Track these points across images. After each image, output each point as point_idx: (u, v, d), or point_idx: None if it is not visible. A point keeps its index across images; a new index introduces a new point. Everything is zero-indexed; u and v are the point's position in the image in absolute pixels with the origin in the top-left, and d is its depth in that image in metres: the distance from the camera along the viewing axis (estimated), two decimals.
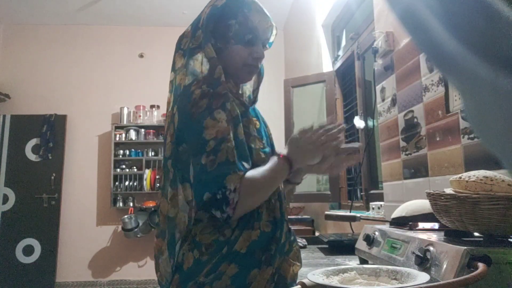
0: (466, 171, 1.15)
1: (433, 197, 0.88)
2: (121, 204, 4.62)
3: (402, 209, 1.20)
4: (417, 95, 1.70)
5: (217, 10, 0.96)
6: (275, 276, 0.90)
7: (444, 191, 0.87)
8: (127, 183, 4.62)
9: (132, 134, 4.71)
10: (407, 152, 1.81)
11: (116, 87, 4.94)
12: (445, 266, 0.74)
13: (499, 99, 0.27)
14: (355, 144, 1.09)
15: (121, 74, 4.97)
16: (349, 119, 3.16)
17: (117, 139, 4.69)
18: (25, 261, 4.40)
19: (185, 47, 0.98)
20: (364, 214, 2.27)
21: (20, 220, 4.47)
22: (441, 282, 0.60)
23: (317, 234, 3.11)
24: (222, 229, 0.87)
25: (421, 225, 1.08)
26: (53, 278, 4.43)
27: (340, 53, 3.34)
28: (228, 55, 0.98)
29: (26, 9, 4.55)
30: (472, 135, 1.33)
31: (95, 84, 4.93)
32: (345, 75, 3.29)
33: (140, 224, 4.45)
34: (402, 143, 1.86)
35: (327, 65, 3.47)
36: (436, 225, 1.06)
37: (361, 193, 2.79)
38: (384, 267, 0.84)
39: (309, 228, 3.30)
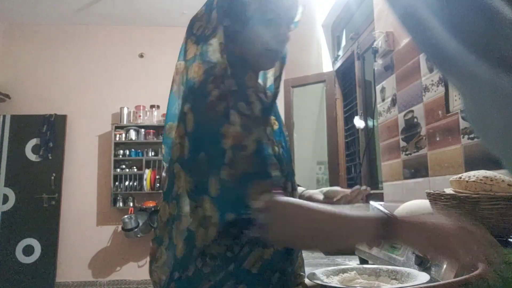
0: (466, 171, 1.15)
1: (433, 197, 0.88)
2: (121, 204, 4.62)
3: (402, 209, 1.20)
4: (417, 95, 1.70)
5: None
6: None
7: (444, 191, 0.87)
8: (127, 183, 4.62)
9: (132, 134, 4.71)
10: (407, 152, 1.81)
11: (116, 87, 4.94)
12: (445, 266, 0.74)
13: (499, 99, 0.27)
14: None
15: (121, 74, 4.97)
16: (349, 119, 3.16)
17: (117, 139, 4.68)
18: (25, 261, 4.40)
19: (199, 32, 0.84)
20: None
21: (20, 220, 4.46)
22: (441, 282, 0.60)
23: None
24: (230, 243, 0.76)
25: None
26: (53, 278, 4.43)
27: (340, 53, 3.34)
28: (246, 39, 0.83)
29: (26, 9, 4.55)
30: (472, 135, 1.33)
31: (95, 84, 4.93)
32: (345, 75, 3.29)
33: (140, 224, 4.45)
34: (402, 143, 1.86)
35: (327, 65, 3.47)
36: None
37: None
38: (384, 267, 0.84)
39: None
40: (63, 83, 4.89)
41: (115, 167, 4.63)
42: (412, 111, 1.75)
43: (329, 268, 0.85)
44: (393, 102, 1.96)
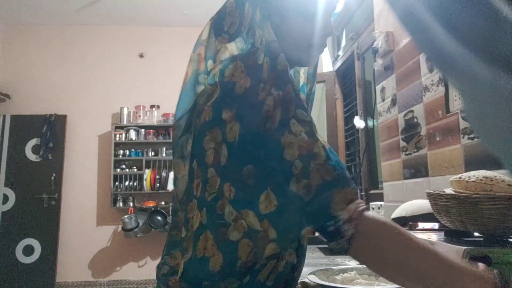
0: (466, 171, 1.15)
1: (433, 197, 0.88)
2: (121, 204, 4.62)
3: (402, 209, 1.20)
4: (417, 95, 1.70)
5: None
6: None
7: (444, 191, 0.87)
8: (127, 183, 4.62)
9: (132, 134, 4.71)
10: (407, 152, 1.81)
11: (116, 87, 4.94)
12: None
13: (499, 99, 0.27)
14: None
15: (121, 74, 4.97)
16: (349, 119, 3.16)
17: (117, 139, 4.68)
18: (25, 261, 4.40)
19: (232, 30, 0.74)
20: None
21: (20, 220, 4.46)
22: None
23: (317, 234, 3.11)
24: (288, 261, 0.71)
25: (421, 225, 1.09)
26: (53, 278, 4.43)
27: (340, 53, 3.34)
28: (287, 33, 0.74)
29: (26, 9, 4.55)
30: (472, 135, 1.33)
31: (95, 84, 4.93)
32: (345, 75, 3.29)
33: (140, 224, 4.45)
34: (402, 143, 1.86)
35: (327, 65, 3.47)
36: (436, 225, 1.06)
37: (361, 193, 2.79)
38: None
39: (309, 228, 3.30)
40: (63, 83, 4.89)
41: (115, 167, 4.63)
42: (412, 111, 1.75)
43: (329, 268, 0.85)
44: (393, 102, 1.96)
